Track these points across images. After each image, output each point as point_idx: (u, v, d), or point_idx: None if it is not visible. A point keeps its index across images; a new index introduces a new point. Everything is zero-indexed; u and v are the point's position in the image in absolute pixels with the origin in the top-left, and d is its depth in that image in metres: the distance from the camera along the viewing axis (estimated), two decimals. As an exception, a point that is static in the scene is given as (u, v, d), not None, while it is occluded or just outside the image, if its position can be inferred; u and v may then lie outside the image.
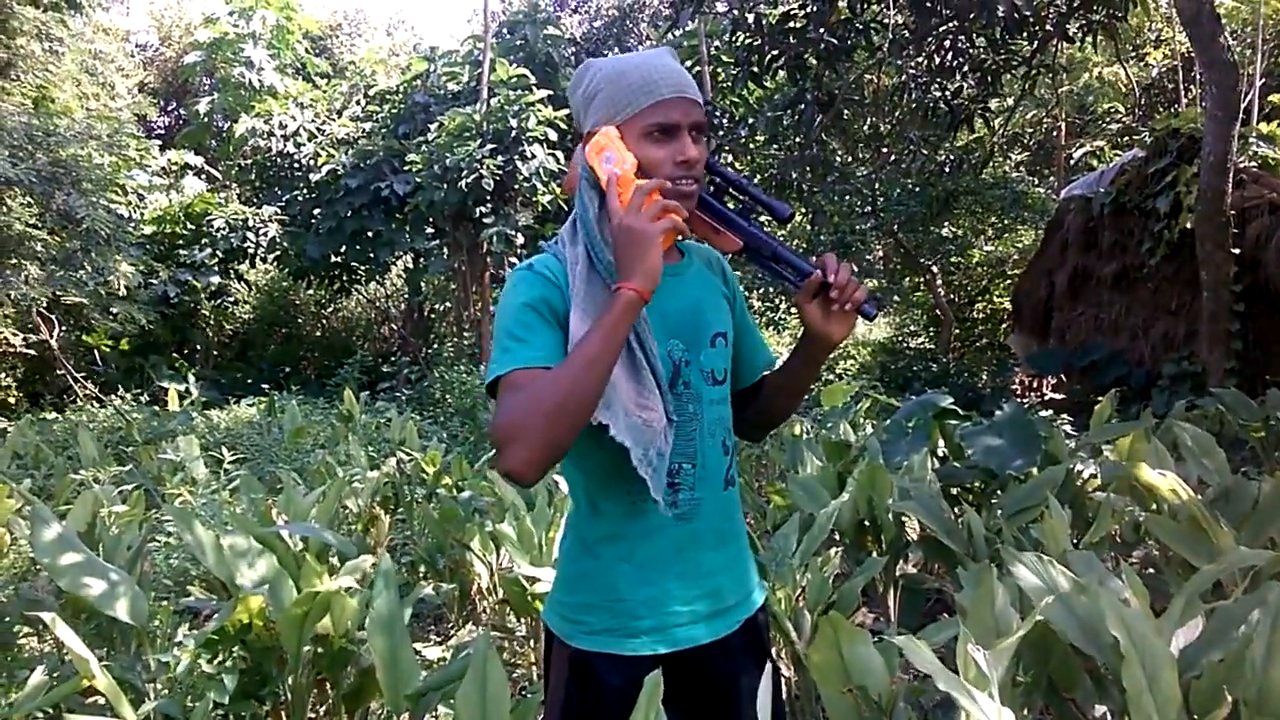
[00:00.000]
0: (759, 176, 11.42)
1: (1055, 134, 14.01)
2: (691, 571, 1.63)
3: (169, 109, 24.49)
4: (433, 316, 16.90)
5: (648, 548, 1.60)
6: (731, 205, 1.73)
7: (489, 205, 12.35)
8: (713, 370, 1.69)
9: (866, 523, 4.36)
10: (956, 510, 4.90)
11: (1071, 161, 10.76)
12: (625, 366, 1.51)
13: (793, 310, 14.11)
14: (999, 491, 4.72)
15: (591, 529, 1.65)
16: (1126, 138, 13.25)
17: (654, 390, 1.56)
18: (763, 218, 1.82)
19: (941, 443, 5.44)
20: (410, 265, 15.52)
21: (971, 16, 6.34)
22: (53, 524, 3.37)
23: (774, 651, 3.56)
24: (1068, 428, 8.73)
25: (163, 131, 23.38)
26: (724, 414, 1.72)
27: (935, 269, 14.56)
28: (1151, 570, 4.01)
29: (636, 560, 1.60)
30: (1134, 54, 13.41)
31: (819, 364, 1.81)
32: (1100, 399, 10.91)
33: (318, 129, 14.85)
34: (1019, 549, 3.79)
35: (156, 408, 11.29)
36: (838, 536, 4.40)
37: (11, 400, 13.96)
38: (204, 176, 17.10)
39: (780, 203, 1.70)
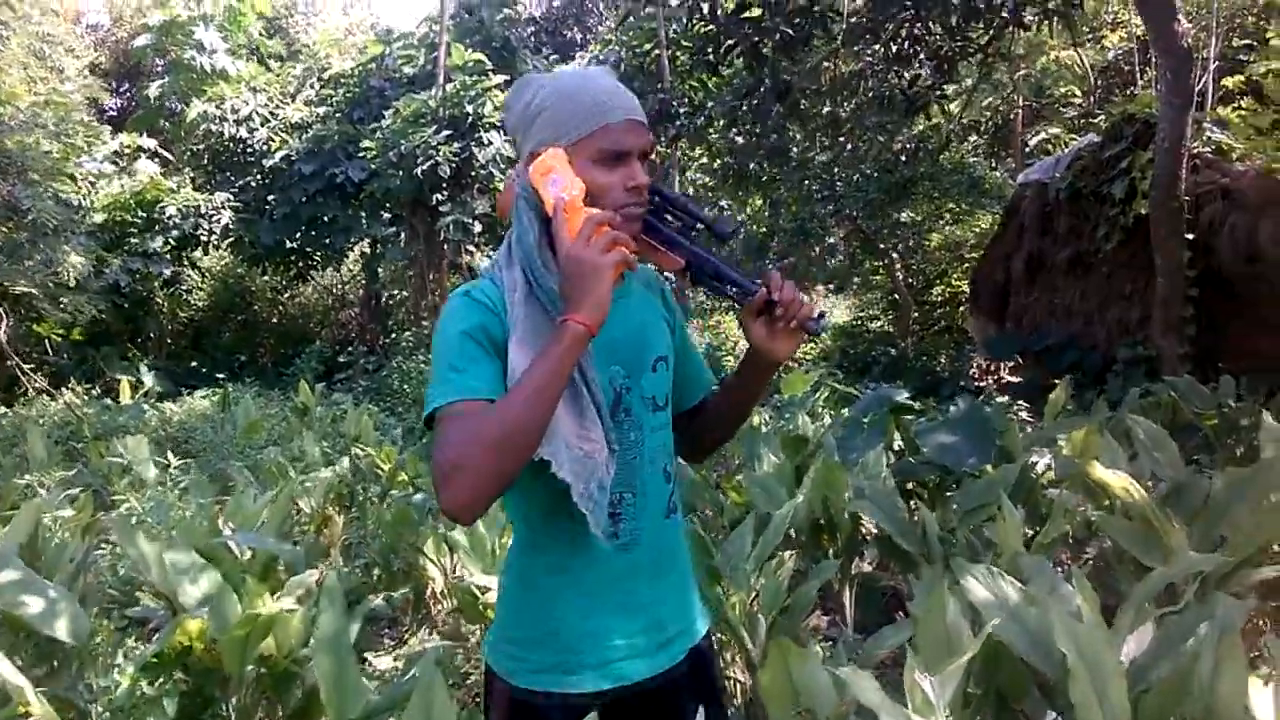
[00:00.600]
0: (717, 162, 11.38)
1: (1012, 119, 14.07)
2: (632, 603, 1.60)
3: (122, 91, 23.98)
4: (390, 304, 16.75)
5: (589, 579, 1.57)
6: (671, 223, 1.69)
7: (446, 192, 12.23)
8: (654, 396, 1.65)
9: (822, 521, 4.36)
10: (913, 505, 4.92)
11: (1028, 148, 10.77)
12: (565, 396, 1.46)
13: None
14: (955, 486, 4.74)
15: (532, 560, 1.61)
16: (1083, 122, 13.30)
17: (595, 420, 1.51)
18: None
19: (898, 437, 5.44)
20: (367, 251, 15.35)
21: (929, 6, 6.32)
22: (-13, 541, 3.29)
23: (728, 656, 3.57)
24: (1024, 413, 8.85)
25: (115, 114, 22.91)
26: (666, 440, 1.69)
27: (895, 254, 14.59)
28: (1104, 566, 4.04)
29: (578, 591, 1.57)
30: (1090, 36, 13.47)
31: (764, 383, 1.77)
32: (1056, 382, 11.02)
33: (271, 113, 14.62)
34: (972, 550, 3.83)
35: (108, 400, 11.10)
36: (794, 534, 4.40)
37: (-40, 391, 13.71)
38: (158, 160, 16.78)
39: (721, 221, 1.67)
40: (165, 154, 17.16)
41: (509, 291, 1.53)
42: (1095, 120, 12.90)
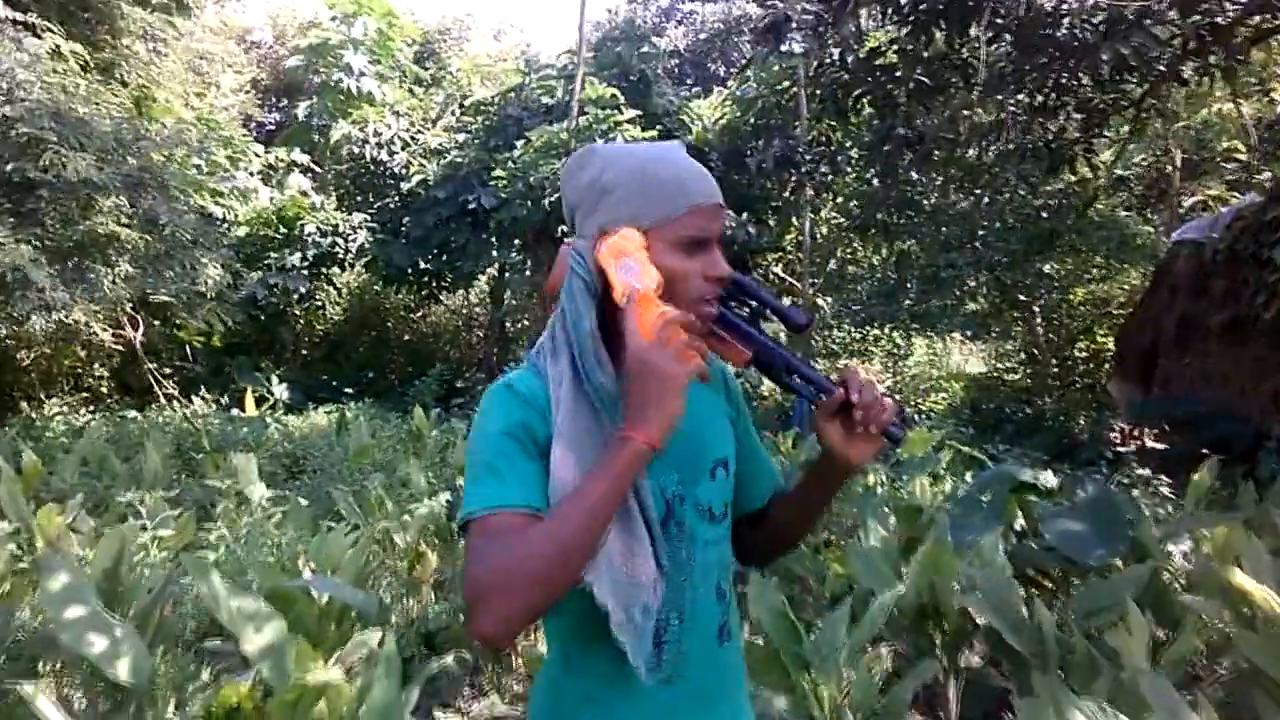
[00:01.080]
0: (851, 203, 11.05)
1: (1168, 173, 13.34)
2: None
3: (281, 106, 24.90)
4: (512, 332, 16.85)
5: (624, 715, 1.39)
6: (737, 309, 1.52)
7: (570, 225, 12.14)
8: (710, 506, 1.47)
9: (928, 608, 4.05)
10: (1031, 594, 4.56)
11: (1183, 208, 10.17)
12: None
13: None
14: (1080, 578, 4.37)
15: (563, 687, 1.44)
16: (1245, 179, 12.54)
17: (644, 536, 1.34)
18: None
19: (1020, 517, 5.07)
20: (496, 277, 15.49)
21: (1078, 56, 5.95)
22: (60, 573, 3.26)
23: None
24: (1164, 488, 8.28)
25: (273, 128, 23.81)
26: (722, 555, 1.50)
27: (1035, 307, 13.98)
28: (1241, 687, 3.64)
29: None
30: (1259, 88, 12.68)
31: (836, 488, 1.59)
32: (1203, 452, 10.34)
33: (412, 138, 14.90)
34: (1091, 660, 3.47)
35: (235, 410, 11.39)
36: (895, 612, 4.09)
37: (104, 390, 14.31)
38: (310, 175, 17.29)
39: (795, 310, 1.50)
40: (316, 168, 17.67)
41: (554, 385, 1.37)
42: (1259, 179, 12.18)
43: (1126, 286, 13.92)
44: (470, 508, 1.27)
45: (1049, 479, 5.21)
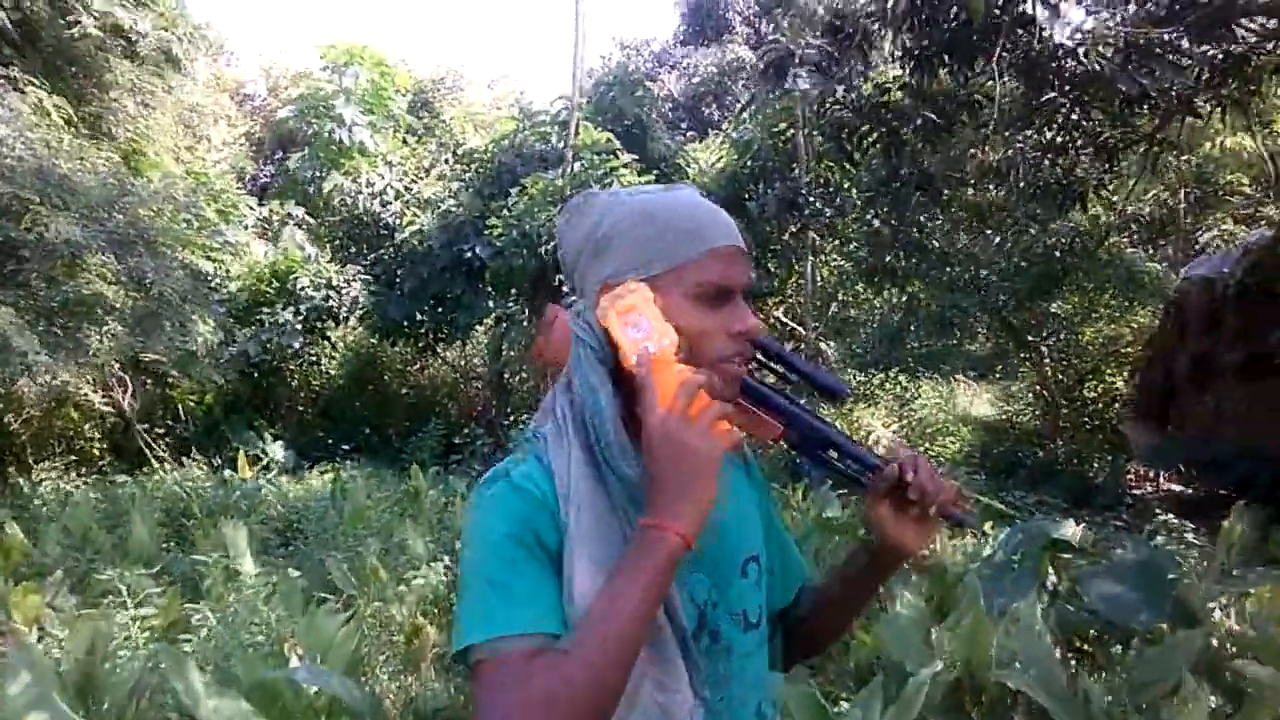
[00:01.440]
0: (851, 245, 10.84)
1: (1175, 209, 13.16)
2: None
3: (275, 159, 24.83)
4: (511, 387, 16.59)
5: None
6: (760, 376, 1.32)
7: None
8: (745, 611, 1.26)
9: (964, 683, 3.75)
10: (1071, 661, 4.28)
11: (1198, 244, 9.98)
12: None
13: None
14: (1124, 642, 4.08)
15: None
16: (1254, 213, 12.36)
17: (676, 657, 1.11)
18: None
19: (1051, 575, 4.78)
20: (494, 327, 15.24)
21: (1091, 91, 5.75)
22: (23, 673, 2.99)
23: None
24: (1190, 534, 7.98)
25: (268, 181, 23.69)
26: (760, 668, 1.27)
27: (1044, 347, 13.74)
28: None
29: None
30: (1258, 121, 12.50)
31: (887, 579, 1.42)
32: (1224, 494, 10.06)
33: (405, 188, 14.72)
34: (1150, 739, 3.19)
35: (228, 473, 11.07)
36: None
37: (96, 453, 13.99)
38: (306, 228, 17.09)
39: (831, 376, 1.34)
40: (311, 220, 17.48)
41: (562, 478, 1.12)
42: (1265, 213, 12.02)
43: (1134, 325, 13.71)
44: (474, 635, 1.04)
45: (1080, 534, 4.95)
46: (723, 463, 1.12)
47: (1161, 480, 12.58)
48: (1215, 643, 3.84)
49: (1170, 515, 8.41)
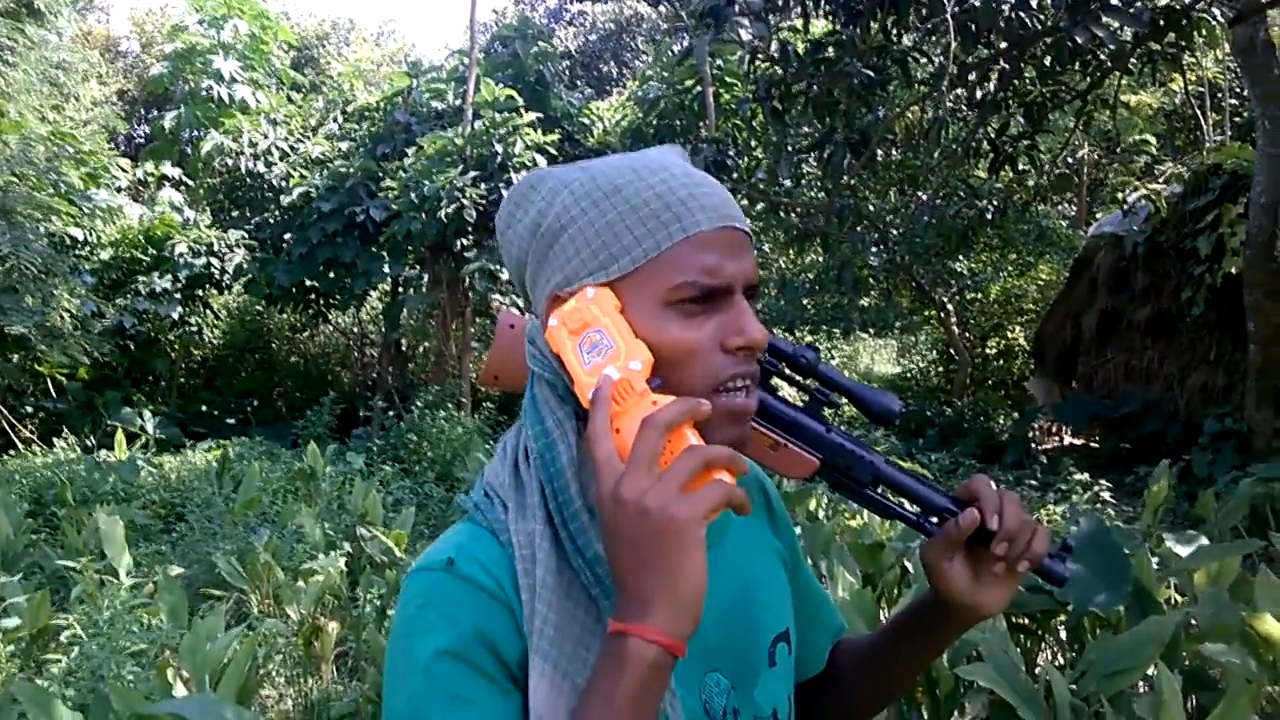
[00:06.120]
0: (762, 209, 10.59)
1: (1076, 164, 13.26)
2: None
3: (150, 118, 23.61)
4: (410, 354, 16.01)
5: None
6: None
7: (471, 237, 11.45)
8: (776, 710, 0.98)
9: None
10: (1026, 644, 4.08)
11: (1126, 204, 9.95)
12: None
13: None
14: (1064, 613, 3.89)
15: None
16: (1155, 170, 12.50)
17: None
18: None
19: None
20: (389, 293, 14.60)
21: (1023, 46, 5.50)
22: None
23: None
24: (1106, 493, 7.98)
25: (143, 141, 22.54)
26: None
27: (950, 305, 13.75)
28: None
29: None
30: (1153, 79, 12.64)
31: (950, 642, 1.09)
32: (1126, 446, 10.16)
33: (291, 148, 13.91)
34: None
35: (104, 453, 10.33)
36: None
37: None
38: (182, 189, 16.13)
39: (888, 396, 1.01)
40: (189, 182, 16.55)
41: (521, 557, 0.82)
42: (1164, 169, 12.16)
43: (1039, 281, 13.82)
44: None
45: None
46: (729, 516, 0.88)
47: (1065, 435, 12.72)
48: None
49: (1084, 474, 8.43)
